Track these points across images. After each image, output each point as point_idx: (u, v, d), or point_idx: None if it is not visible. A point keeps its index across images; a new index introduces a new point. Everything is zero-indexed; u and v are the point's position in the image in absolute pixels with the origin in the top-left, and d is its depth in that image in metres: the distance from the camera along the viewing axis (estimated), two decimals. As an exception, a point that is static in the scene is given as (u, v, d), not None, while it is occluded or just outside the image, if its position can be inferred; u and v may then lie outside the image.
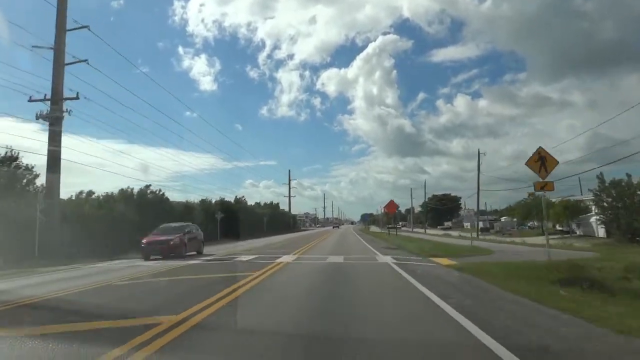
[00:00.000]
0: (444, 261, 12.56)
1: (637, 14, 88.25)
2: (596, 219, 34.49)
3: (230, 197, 51.82)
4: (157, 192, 35.41)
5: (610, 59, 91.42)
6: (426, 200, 79.07)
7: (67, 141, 27.64)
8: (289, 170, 75.21)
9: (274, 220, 61.32)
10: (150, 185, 33.97)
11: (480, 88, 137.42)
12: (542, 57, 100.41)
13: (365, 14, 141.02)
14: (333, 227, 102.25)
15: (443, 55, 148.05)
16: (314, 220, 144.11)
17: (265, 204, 65.05)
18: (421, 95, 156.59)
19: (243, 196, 53.91)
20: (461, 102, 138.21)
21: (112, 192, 31.69)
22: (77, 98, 19.72)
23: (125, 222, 26.47)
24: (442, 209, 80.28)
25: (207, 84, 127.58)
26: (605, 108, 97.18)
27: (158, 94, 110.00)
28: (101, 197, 30.22)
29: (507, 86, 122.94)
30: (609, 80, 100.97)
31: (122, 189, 32.41)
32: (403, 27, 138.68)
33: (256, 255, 15.48)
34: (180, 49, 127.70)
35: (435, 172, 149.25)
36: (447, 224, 75.06)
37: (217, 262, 13.49)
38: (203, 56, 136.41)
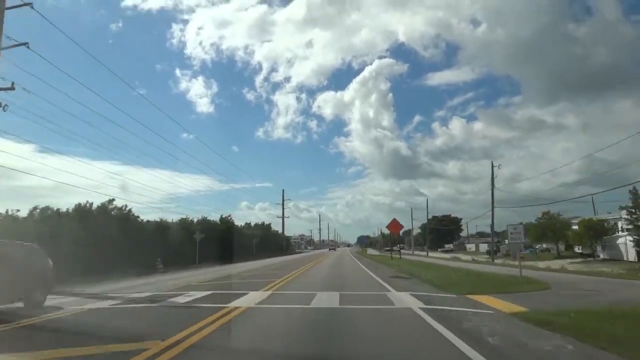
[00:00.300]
0: (499, 304, 7.99)
1: (629, 39, 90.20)
2: (630, 240, 30.06)
3: (215, 217, 46.67)
4: (123, 209, 30.58)
5: (603, 82, 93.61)
6: (427, 220, 74.31)
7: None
8: (283, 190, 70.69)
9: (265, 242, 56.50)
10: (114, 199, 29.12)
11: (476, 111, 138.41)
12: (537, 81, 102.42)
13: (362, 38, 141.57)
14: (329, 250, 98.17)
15: (439, 78, 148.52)
16: (309, 243, 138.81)
17: (255, 224, 60.22)
18: (417, 118, 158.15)
19: (230, 215, 48.53)
20: (457, 124, 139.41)
21: (67, 209, 27.02)
22: (11, 88, 15.10)
23: (77, 243, 21.82)
24: (443, 230, 75.50)
25: (204, 106, 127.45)
26: (599, 131, 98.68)
27: (155, 116, 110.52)
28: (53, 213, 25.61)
29: (503, 109, 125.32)
30: (603, 103, 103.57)
31: (79, 204, 27.68)
32: (399, 51, 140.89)
33: (210, 292, 10.80)
34: (178, 71, 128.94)
35: (432, 194, 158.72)
36: (448, 246, 70.17)
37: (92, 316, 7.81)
38: (200, 78, 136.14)
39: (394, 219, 35.07)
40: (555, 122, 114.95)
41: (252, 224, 58.71)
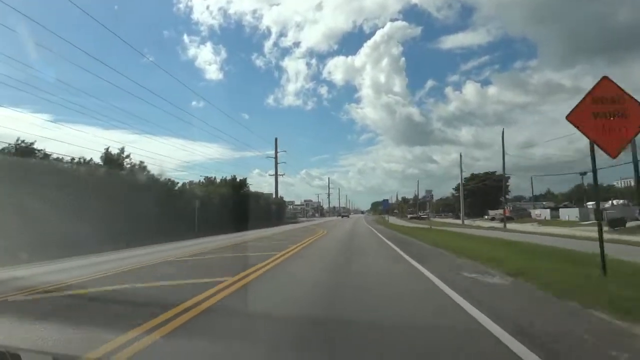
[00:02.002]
0: None
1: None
2: None
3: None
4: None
5: (625, 43, 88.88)
6: (462, 183, 60.89)
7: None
8: (276, 139, 58.06)
9: (240, 207, 37.15)
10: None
11: (491, 75, 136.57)
12: (555, 43, 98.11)
13: (373, 0, 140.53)
14: (342, 217, 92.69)
15: (452, 41, 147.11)
16: (318, 210, 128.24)
17: (223, 179, 42.09)
18: (430, 83, 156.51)
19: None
20: (471, 89, 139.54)
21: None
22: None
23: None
24: (487, 189, 61.85)
25: (213, 72, 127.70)
26: None
27: (162, 84, 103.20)
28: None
29: (518, 73, 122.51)
30: (623, 65, 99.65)
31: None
32: (412, 13, 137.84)
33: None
34: (186, 38, 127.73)
35: (444, 162, 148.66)
36: (495, 212, 57.05)
37: None
38: (209, 44, 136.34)
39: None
40: (573, 85, 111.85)
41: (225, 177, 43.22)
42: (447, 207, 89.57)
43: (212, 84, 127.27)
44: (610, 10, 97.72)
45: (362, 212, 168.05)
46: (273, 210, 49.95)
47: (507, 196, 69.79)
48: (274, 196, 56.43)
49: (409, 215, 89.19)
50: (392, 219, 71.02)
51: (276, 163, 57.19)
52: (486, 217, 59.63)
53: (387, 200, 55.60)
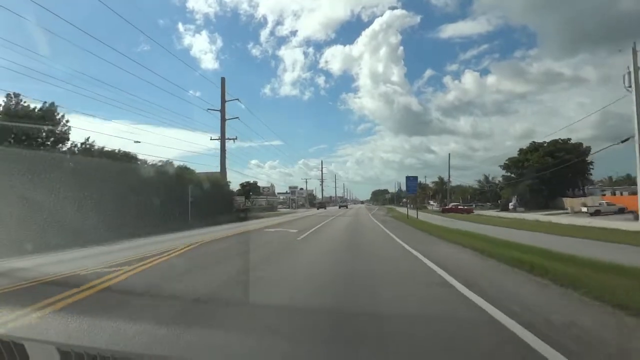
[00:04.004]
0: None
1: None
2: None
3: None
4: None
5: (627, 32, 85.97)
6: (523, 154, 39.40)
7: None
8: (222, 79, 36.42)
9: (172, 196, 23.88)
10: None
11: (490, 64, 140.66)
12: (555, 31, 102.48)
13: None
14: (339, 207, 75.19)
15: (452, 30, 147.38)
16: (309, 200, 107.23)
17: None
18: (428, 72, 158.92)
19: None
20: (469, 79, 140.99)
21: None
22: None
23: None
24: (558, 167, 40.05)
25: (208, 62, 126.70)
26: (620, 84, 75.53)
27: (160, 72, 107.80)
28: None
29: (518, 62, 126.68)
30: (626, 54, 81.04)
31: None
32: (411, 1, 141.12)
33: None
34: (181, 26, 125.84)
35: (442, 152, 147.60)
36: (576, 202, 35.06)
37: None
38: (204, 33, 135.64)
39: None
40: (573, 75, 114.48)
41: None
42: (479, 196, 68.40)
43: (208, 74, 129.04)
44: None
45: (362, 202, 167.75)
46: (230, 202, 29.38)
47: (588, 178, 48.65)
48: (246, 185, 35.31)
49: (435, 205, 68.57)
50: (401, 210, 49.89)
51: (223, 115, 35.69)
52: (564, 209, 37.66)
53: (415, 178, 29.57)
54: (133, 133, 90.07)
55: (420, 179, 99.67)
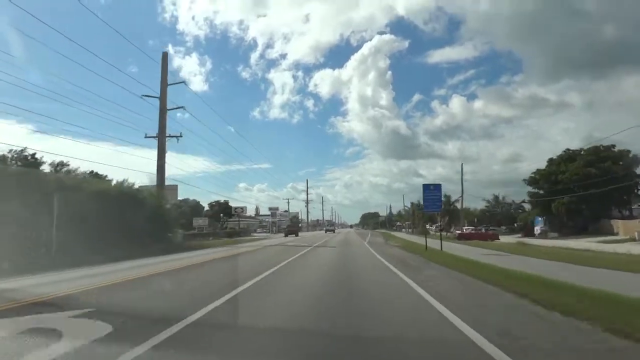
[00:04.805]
0: None
1: (638, 13, 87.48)
2: None
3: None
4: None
5: (610, 59, 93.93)
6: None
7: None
8: (165, 55, 27.03)
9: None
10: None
11: (477, 89, 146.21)
12: (540, 58, 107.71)
13: (361, 13, 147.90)
14: (326, 232, 67.21)
15: (439, 56, 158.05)
16: (294, 222, 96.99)
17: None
18: (416, 97, 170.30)
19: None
20: (457, 103, 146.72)
21: None
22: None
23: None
24: (599, 178, 30.89)
25: (197, 84, 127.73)
26: (604, 110, 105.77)
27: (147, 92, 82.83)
28: None
29: (504, 87, 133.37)
30: (608, 81, 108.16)
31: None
32: (399, 26, 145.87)
33: None
34: (171, 48, 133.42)
35: (430, 175, 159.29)
36: (619, 224, 25.85)
37: None
38: (194, 55, 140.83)
39: None
40: (558, 100, 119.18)
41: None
42: (489, 218, 59.15)
43: (197, 96, 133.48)
44: (596, 26, 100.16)
45: (351, 226, 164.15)
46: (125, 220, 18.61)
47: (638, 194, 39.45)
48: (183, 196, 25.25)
49: (433, 229, 59.08)
50: (408, 238, 40.25)
51: (163, 103, 26.03)
52: (613, 233, 28.26)
53: (438, 187, 18.01)
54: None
55: (408, 202, 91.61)
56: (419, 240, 32.53)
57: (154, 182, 26.73)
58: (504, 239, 35.41)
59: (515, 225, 52.87)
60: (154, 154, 26.56)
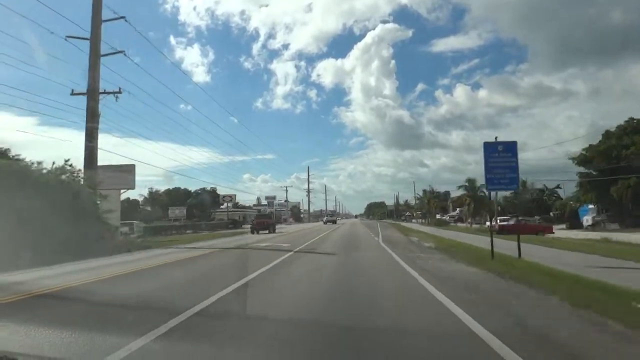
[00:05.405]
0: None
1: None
2: None
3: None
4: None
5: (616, 47, 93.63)
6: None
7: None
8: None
9: None
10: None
11: (481, 79, 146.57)
12: (545, 46, 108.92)
13: (364, 1, 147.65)
14: (325, 222, 60.51)
15: (443, 44, 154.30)
16: (293, 213, 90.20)
17: None
18: (420, 86, 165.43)
19: None
20: (461, 92, 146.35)
21: None
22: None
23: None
24: None
25: (200, 75, 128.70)
26: (610, 98, 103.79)
27: (149, 86, 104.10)
28: None
29: (508, 76, 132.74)
30: (614, 69, 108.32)
31: None
32: (403, 15, 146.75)
33: None
34: (172, 39, 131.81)
35: (435, 165, 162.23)
36: None
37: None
38: (196, 46, 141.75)
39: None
40: (563, 88, 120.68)
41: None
42: (515, 207, 51.49)
43: (199, 87, 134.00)
44: (602, 12, 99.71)
45: (355, 217, 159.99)
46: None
47: None
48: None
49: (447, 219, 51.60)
50: (425, 230, 32.91)
51: (95, 46, 18.47)
52: None
53: (513, 147, 10.34)
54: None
55: (415, 192, 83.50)
56: (448, 234, 24.98)
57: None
58: (562, 235, 27.81)
59: (552, 214, 45.06)
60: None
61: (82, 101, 19.20)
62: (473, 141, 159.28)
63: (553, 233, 25.81)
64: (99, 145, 19.18)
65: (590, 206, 34.52)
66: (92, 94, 19.04)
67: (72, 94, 19.72)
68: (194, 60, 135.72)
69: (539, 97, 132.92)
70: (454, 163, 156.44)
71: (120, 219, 33.67)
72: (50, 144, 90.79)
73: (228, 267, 10.34)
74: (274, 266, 9.72)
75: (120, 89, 20.08)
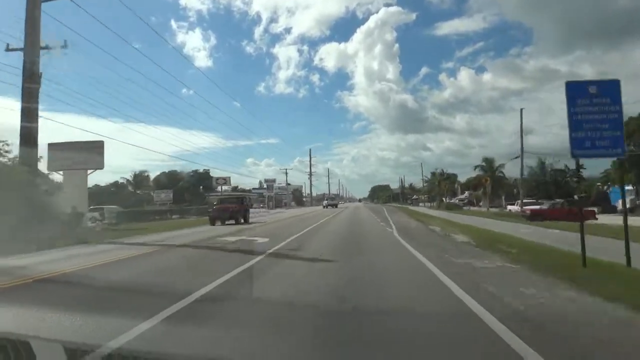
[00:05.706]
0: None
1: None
2: None
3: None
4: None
5: (623, 29, 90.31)
6: None
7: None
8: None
9: None
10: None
11: (486, 62, 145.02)
12: (551, 29, 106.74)
13: None
14: (325, 207, 56.93)
15: (448, 28, 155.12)
16: (295, 197, 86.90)
17: None
18: (424, 70, 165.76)
19: None
20: (465, 76, 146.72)
21: None
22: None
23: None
24: None
25: (202, 60, 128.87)
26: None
27: (151, 71, 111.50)
28: None
29: (513, 59, 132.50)
30: (621, 52, 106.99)
31: None
32: None
33: None
34: (174, 23, 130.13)
35: (438, 149, 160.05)
36: None
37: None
38: (197, 30, 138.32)
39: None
40: (569, 71, 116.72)
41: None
42: (535, 189, 47.46)
43: (201, 71, 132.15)
44: None
45: (359, 200, 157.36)
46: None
47: None
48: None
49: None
50: (440, 215, 29.24)
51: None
52: None
53: (615, 87, 6.12)
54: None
55: (421, 175, 78.88)
56: (470, 220, 21.10)
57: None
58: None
59: (576, 197, 41.07)
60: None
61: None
62: (477, 125, 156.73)
63: (597, 219, 21.99)
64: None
65: (629, 187, 30.55)
66: (32, 46, 15.22)
67: (7, 49, 16.04)
68: (196, 45, 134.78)
69: (545, 80, 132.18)
70: (457, 147, 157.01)
71: (98, 204, 30.36)
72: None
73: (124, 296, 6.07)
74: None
75: (65, 41, 16.19)
